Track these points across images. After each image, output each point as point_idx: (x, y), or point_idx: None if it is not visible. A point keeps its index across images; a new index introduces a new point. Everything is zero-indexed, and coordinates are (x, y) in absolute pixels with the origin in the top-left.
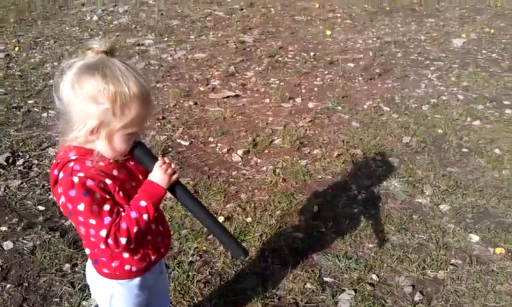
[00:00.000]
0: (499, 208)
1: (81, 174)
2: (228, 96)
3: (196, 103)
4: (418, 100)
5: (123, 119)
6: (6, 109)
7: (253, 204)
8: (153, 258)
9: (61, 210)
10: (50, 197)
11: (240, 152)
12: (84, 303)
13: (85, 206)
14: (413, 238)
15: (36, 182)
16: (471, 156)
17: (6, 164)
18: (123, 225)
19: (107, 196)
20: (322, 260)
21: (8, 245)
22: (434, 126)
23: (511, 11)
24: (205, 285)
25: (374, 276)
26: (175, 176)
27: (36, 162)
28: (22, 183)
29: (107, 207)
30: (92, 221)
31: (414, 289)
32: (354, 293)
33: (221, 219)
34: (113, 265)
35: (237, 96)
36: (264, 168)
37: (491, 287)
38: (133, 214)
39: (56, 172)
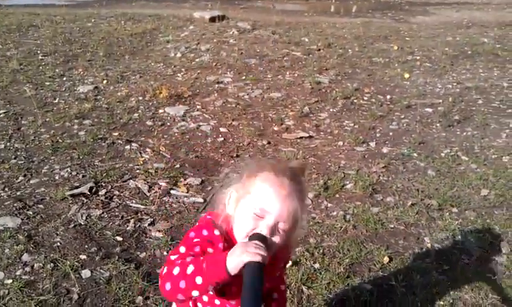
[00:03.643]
0: None
1: (207, 233)
2: (301, 137)
3: (269, 143)
4: (498, 151)
5: (246, 187)
6: (92, 140)
7: (321, 250)
8: None
9: None
10: (128, 228)
11: (310, 195)
12: None
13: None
14: (486, 298)
15: (116, 213)
16: None
17: (89, 193)
18: (176, 270)
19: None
20: None
21: (86, 273)
22: None
23: None
24: None
25: None
26: (254, 257)
27: (117, 193)
28: (102, 213)
29: (192, 252)
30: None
31: None
32: None
33: (288, 263)
34: None
35: (310, 137)
36: (334, 213)
37: None
38: (189, 269)
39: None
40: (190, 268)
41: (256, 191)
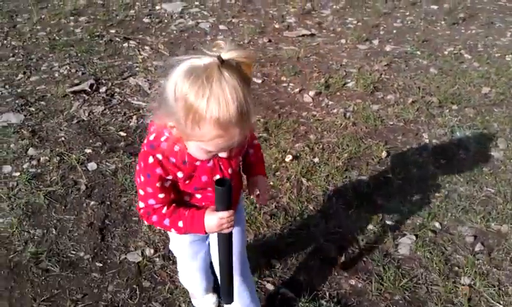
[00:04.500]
0: None
1: (159, 157)
2: (303, 35)
3: (270, 41)
4: (502, 50)
5: (193, 134)
6: (89, 37)
7: (321, 146)
8: None
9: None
10: (131, 124)
11: (312, 93)
12: None
13: (143, 181)
14: (480, 191)
15: (118, 110)
16: None
17: (90, 90)
18: (154, 218)
19: (167, 185)
20: (386, 204)
21: (92, 166)
22: None
23: None
24: (271, 217)
25: (436, 224)
26: (225, 231)
27: (117, 90)
28: (105, 109)
29: (161, 195)
30: (141, 192)
31: (476, 239)
32: (415, 238)
33: (289, 157)
34: None
35: (312, 35)
36: (335, 110)
37: None
38: (166, 222)
39: (150, 137)
40: (166, 221)
41: (206, 139)
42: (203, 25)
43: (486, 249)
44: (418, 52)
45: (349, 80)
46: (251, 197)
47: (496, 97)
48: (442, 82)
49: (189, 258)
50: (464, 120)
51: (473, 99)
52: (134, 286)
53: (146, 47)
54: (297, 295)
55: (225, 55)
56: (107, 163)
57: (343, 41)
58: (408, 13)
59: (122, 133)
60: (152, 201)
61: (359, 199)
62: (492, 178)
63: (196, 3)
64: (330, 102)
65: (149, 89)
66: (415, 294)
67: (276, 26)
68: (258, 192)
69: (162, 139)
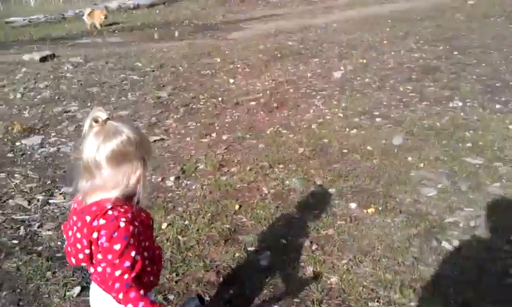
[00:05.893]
0: (370, 184)
1: (124, 219)
2: (154, 141)
3: None
4: (308, 122)
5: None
6: None
7: (188, 213)
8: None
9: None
10: (20, 233)
11: (172, 178)
12: (68, 293)
13: (120, 247)
14: (309, 213)
15: (5, 226)
16: (349, 154)
17: None
18: (132, 294)
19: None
20: (245, 239)
21: None
22: (321, 138)
23: (380, 43)
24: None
25: (283, 241)
26: None
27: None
28: None
29: (133, 253)
30: (116, 261)
31: (312, 243)
32: (269, 253)
33: (164, 224)
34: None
35: (162, 139)
36: (194, 187)
37: (365, 232)
38: (141, 305)
39: (95, 223)
40: (141, 304)
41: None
42: (64, 149)
43: (319, 247)
44: (248, 136)
45: (199, 164)
46: None
47: (310, 153)
48: (269, 152)
49: None
50: (290, 173)
51: (293, 158)
52: None
53: (16, 175)
54: None
55: (104, 116)
56: (8, 263)
57: (188, 139)
58: (234, 111)
59: (15, 241)
60: (127, 264)
61: (225, 239)
62: (315, 204)
63: (53, 134)
64: (188, 182)
65: (28, 205)
66: (275, 287)
67: None
68: None
69: (110, 213)
